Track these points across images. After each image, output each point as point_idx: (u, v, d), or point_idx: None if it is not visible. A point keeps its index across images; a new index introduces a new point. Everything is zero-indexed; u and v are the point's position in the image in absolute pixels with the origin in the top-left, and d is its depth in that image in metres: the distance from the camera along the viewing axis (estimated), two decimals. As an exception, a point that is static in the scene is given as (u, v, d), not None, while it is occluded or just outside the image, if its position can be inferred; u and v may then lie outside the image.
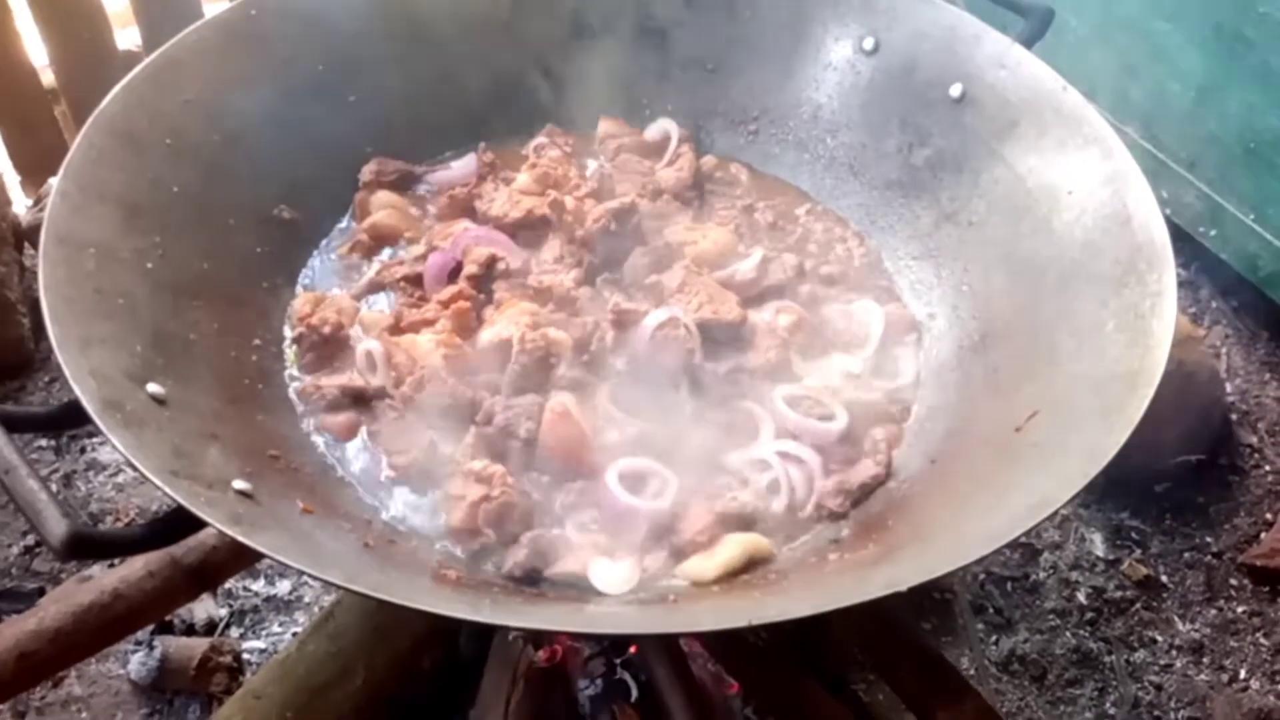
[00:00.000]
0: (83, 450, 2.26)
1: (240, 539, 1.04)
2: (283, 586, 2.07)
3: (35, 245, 2.51)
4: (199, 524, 1.08)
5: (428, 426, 1.50)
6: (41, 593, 2.03)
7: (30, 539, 2.10)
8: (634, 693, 1.73)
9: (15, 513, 2.13)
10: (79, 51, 2.69)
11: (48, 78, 2.75)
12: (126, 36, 2.76)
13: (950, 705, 1.47)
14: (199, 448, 1.24)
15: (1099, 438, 1.20)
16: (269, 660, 1.72)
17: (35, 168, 2.67)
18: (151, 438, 1.17)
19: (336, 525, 1.31)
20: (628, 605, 1.31)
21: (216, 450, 1.25)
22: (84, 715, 1.87)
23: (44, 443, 2.26)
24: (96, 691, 1.86)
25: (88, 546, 1.05)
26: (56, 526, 1.02)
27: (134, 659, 1.93)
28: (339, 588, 1.05)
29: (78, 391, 1.14)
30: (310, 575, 1.04)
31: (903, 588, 1.04)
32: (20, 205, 2.77)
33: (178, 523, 1.09)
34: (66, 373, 1.15)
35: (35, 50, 2.74)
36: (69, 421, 1.19)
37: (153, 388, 1.25)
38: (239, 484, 1.18)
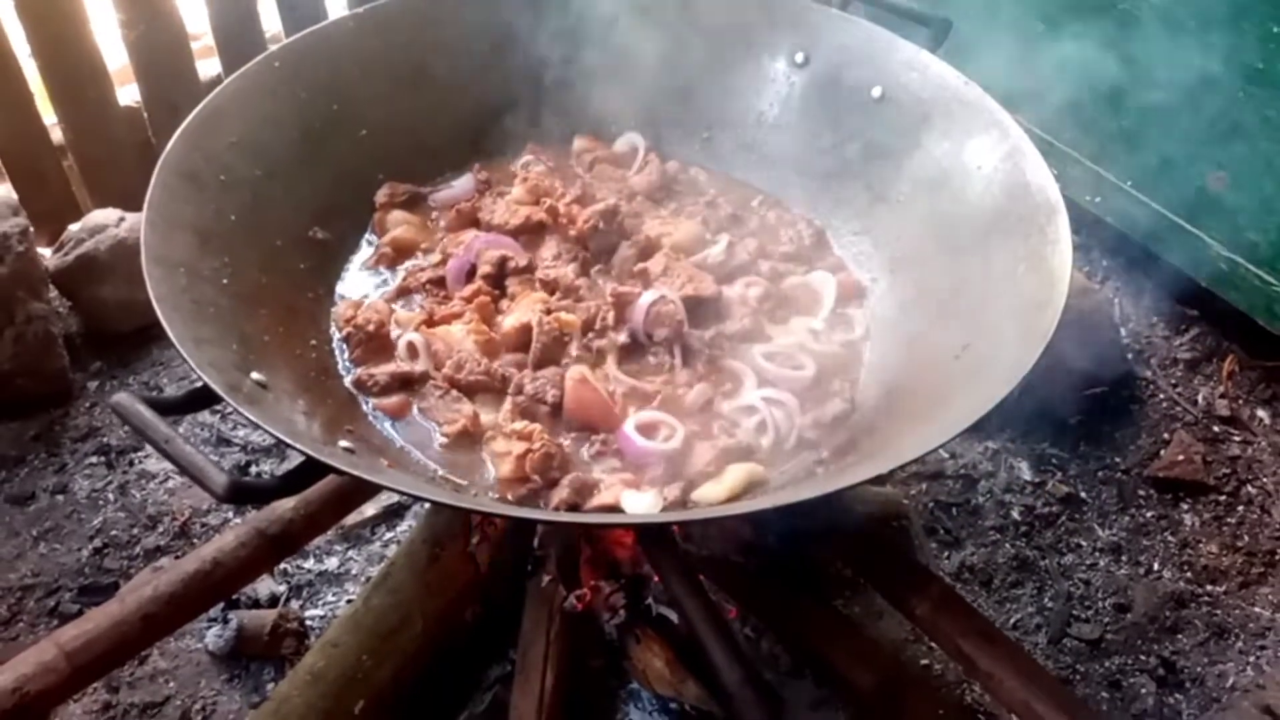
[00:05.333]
0: (130, 464, 2.44)
1: (368, 478, 1.28)
2: (331, 563, 2.29)
3: (60, 288, 2.71)
4: (322, 473, 1.32)
5: (470, 400, 1.76)
6: (117, 586, 2.21)
7: (99, 541, 2.28)
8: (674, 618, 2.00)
9: (79, 520, 2.32)
10: (84, 109, 2.85)
11: (56, 134, 2.89)
12: (126, 93, 2.94)
13: (920, 590, 1.78)
14: (301, 421, 1.49)
15: (1021, 354, 1.46)
16: (340, 615, 1.95)
17: (48, 217, 2.81)
18: (269, 411, 1.42)
19: (414, 476, 1.56)
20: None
21: (315, 423, 1.51)
22: (171, 685, 2.06)
23: (94, 459, 2.45)
24: (180, 664, 2.06)
25: (245, 493, 1.30)
26: (219, 478, 1.26)
27: (209, 633, 2.12)
28: (446, 506, 1.32)
29: (205, 378, 1.34)
30: (425, 499, 1.31)
31: (885, 469, 1.35)
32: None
33: (306, 472, 1.32)
34: (191, 364, 1.35)
35: (44, 109, 2.86)
36: (198, 404, 1.42)
37: (256, 375, 1.48)
38: (344, 443, 1.44)
